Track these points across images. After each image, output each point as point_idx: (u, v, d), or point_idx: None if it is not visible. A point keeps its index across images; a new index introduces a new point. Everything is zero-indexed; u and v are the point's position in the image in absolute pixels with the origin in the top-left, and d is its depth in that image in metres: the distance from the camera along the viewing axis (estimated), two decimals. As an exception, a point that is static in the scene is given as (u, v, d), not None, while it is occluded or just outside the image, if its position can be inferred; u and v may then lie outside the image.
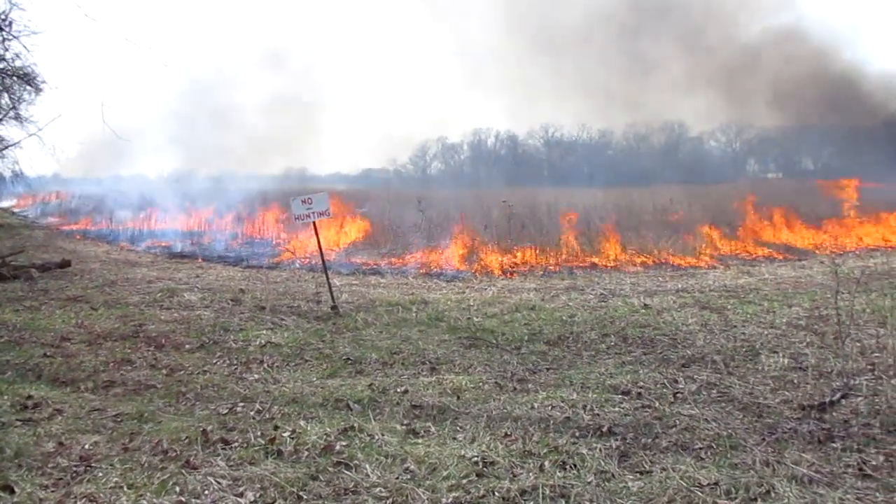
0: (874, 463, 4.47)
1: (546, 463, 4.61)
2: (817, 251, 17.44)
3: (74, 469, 4.57)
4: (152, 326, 8.86)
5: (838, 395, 5.76)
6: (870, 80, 30.85)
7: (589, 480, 4.36)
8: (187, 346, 8.00)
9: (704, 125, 53.11)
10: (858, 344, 7.21)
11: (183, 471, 4.51)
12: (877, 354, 6.82)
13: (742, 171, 54.26)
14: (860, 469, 4.40)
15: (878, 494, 4.08)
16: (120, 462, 4.68)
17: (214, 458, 4.73)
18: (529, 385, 6.52)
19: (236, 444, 5.01)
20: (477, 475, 4.46)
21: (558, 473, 4.46)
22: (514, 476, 4.44)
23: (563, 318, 9.42)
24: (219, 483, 4.35)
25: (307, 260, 16.39)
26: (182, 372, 7.04)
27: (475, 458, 4.69)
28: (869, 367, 6.46)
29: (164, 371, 7.05)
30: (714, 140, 60.68)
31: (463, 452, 4.80)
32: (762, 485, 4.20)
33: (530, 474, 4.45)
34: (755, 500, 4.07)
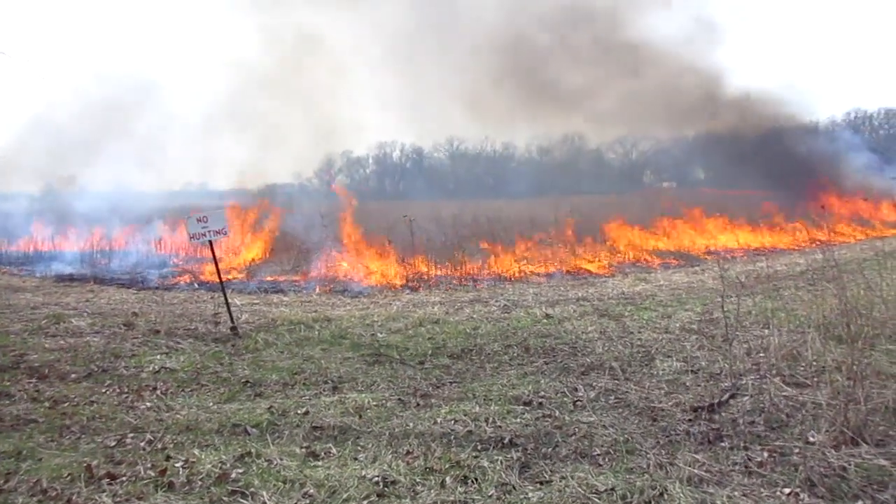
0: (759, 459, 4.68)
1: (448, 479, 4.59)
2: (708, 257, 18.30)
3: (-60, 516, 4.22)
4: (35, 356, 8.31)
5: (727, 395, 6.02)
6: (755, 96, 32.83)
7: (490, 494, 4.37)
8: (73, 376, 7.54)
9: (603, 137, 54.79)
10: (745, 345, 7.56)
11: (63, 511, 4.23)
12: (761, 355, 7.17)
13: (639, 181, 56.34)
14: (746, 466, 4.60)
15: (762, 490, 4.27)
16: (-8, 506, 4.35)
17: (99, 495, 4.47)
18: (433, 400, 6.50)
19: (124, 478, 4.74)
20: (378, 495, 4.39)
21: (460, 489, 4.45)
22: (416, 494, 4.40)
23: (467, 330, 9.47)
24: (103, 522, 4.10)
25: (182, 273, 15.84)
26: (67, 404, 6.62)
27: (376, 479, 4.61)
28: (754, 366, 6.78)
29: (46, 404, 6.61)
30: (612, 152, 62.68)
31: (364, 473, 4.72)
32: (656, 487, 4.32)
33: (431, 491, 4.41)
34: (649, 503, 4.18)
